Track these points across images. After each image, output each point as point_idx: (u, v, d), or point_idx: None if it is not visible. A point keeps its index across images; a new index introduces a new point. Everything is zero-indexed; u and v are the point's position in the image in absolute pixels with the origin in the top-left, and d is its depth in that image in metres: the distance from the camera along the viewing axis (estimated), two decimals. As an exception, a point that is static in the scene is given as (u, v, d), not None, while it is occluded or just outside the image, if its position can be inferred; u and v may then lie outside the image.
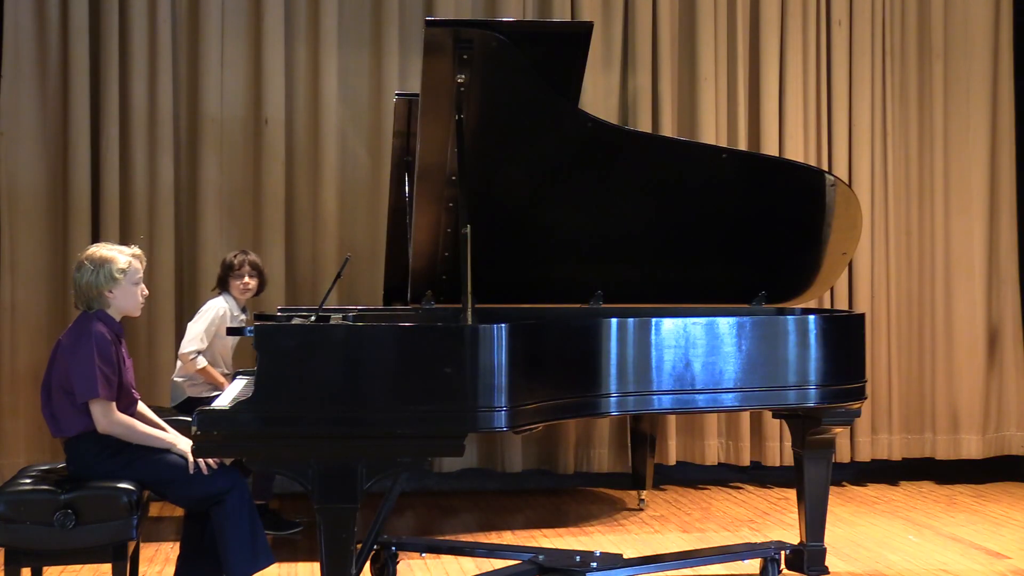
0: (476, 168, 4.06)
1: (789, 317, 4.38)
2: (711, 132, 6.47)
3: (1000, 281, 6.81)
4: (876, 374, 6.54)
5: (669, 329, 4.13)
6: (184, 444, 3.73)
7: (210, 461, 3.67)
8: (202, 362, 5.22)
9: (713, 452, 6.48)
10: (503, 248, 4.41)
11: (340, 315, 4.53)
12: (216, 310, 5.30)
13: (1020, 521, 5.68)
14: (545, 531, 5.36)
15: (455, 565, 4.70)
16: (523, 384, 3.62)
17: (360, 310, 4.80)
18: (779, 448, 6.50)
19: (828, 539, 4.66)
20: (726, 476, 6.58)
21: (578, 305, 4.66)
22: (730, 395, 4.23)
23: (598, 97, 6.39)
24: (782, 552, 4.42)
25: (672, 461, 6.44)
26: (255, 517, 3.68)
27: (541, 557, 4.23)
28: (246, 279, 5.35)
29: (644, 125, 6.39)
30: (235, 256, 5.40)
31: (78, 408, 3.66)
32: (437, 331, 3.60)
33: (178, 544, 5.02)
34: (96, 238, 5.88)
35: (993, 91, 6.78)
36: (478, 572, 4.53)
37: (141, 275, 3.85)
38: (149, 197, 5.97)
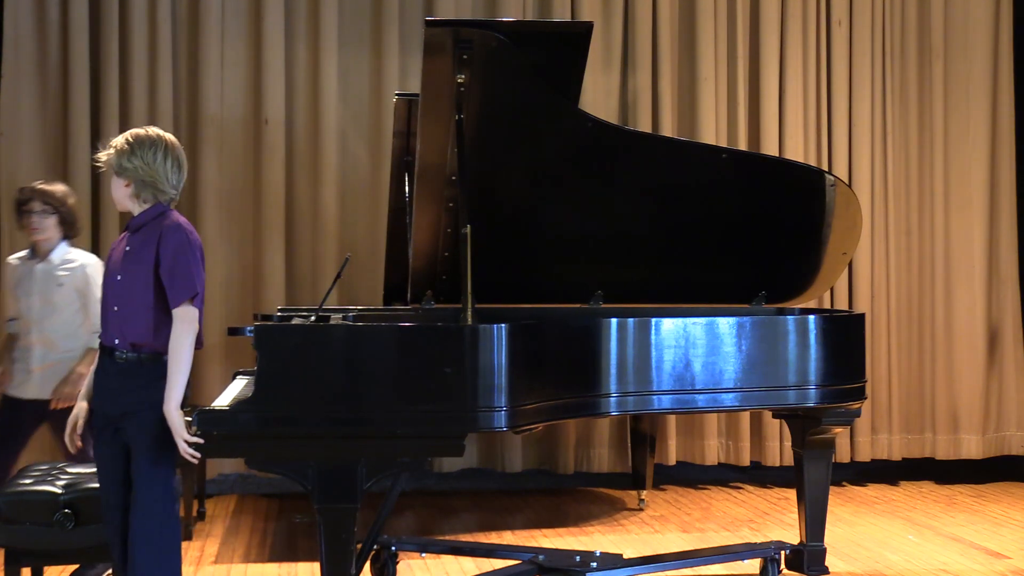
0: (476, 168, 4.06)
1: (789, 317, 4.38)
2: (711, 132, 6.47)
3: (1000, 281, 6.81)
4: (876, 374, 6.54)
5: (669, 329, 4.13)
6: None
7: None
8: None
9: (713, 452, 6.48)
10: (503, 248, 4.40)
11: (340, 315, 4.54)
12: None
13: (1020, 521, 5.68)
14: (545, 531, 5.36)
15: (455, 565, 4.70)
16: (523, 384, 3.62)
17: (360, 310, 4.80)
18: (779, 448, 6.50)
19: (828, 539, 4.67)
20: (726, 476, 6.57)
21: (578, 305, 4.66)
22: (730, 395, 4.23)
23: (598, 97, 6.39)
24: (782, 552, 4.42)
25: (672, 461, 6.44)
26: None
27: (541, 557, 4.23)
28: (34, 218, 4.42)
29: (644, 125, 6.39)
30: (20, 189, 4.57)
31: None
32: (437, 331, 3.59)
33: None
34: (96, 238, 5.89)
35: (993, 91, 6.78)
36: (478, 572, 4.53)
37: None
38: (149, 197, 5.96)
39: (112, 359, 3.33)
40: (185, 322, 3.29)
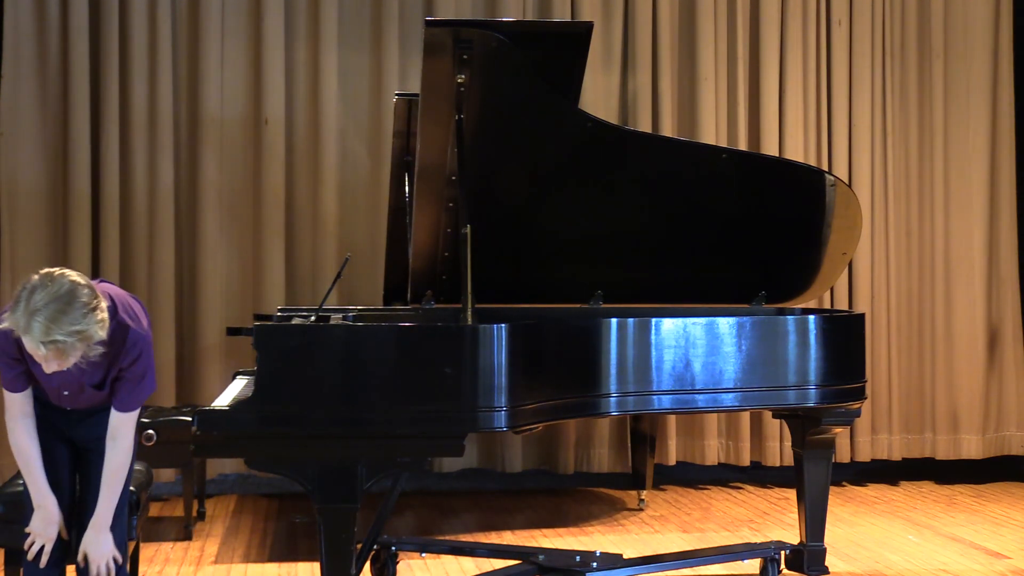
0: (476, 168, 4.06)
1: (789, 317, 4.38)
2: (711, 132, 6.47)
3: (1000, 281, 6.81)
4: (876, 374, 6.54)
5: (669, 329, 4.13)
6: (40, 519, 3.19)
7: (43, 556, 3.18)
8: None
9: (713, 452, 6.48)
10: (503, 248, 4.41)
11: (340, 315, 4.54)
12: None
13: (1020, 521, 5.68)
14: (545, 531, 5.36)
15: (455, 565, 4.70)
16: (523, 384, 3.62)
17: (360, 310, 4.80)
18: (779, 448, 6.50)
19: (828, 539, 4.67)
20: (726, 476, 6.57)
21: (578, 305, 4.66)
22: (730, 395, 4.23)
23: (598, 97, 6.38)
24: (782, 552, 4.43)
25: (672, 461, 6.44)
26: None
27: (541, 557, 4.23)
28: None
29: (644, 125, 6.39)
30: None
31: None
32: (437, 331, 3.59)
33: (178, 544, 5.04)
34: (96, 238, 5.88)
35: (993, 91, 6.78)
36: (478, 572, 4.53)
37: (36, 356, 2.96)
38: (149, 197, 5.97)
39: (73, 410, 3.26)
40: (133, 428, 3.18)
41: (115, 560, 3.19)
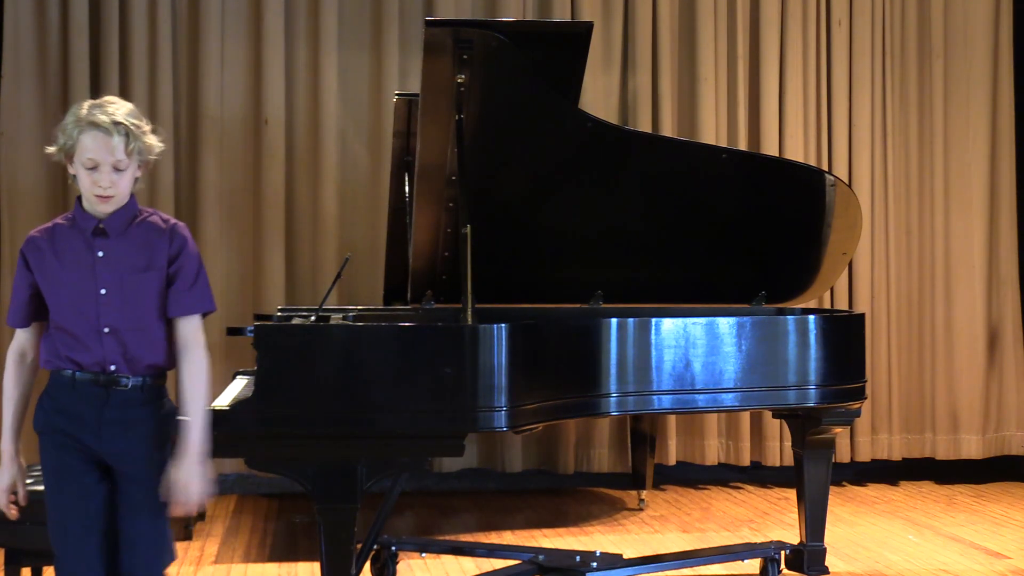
0: (476, 168, 4.06)
1: (789, 317, 4.38)
2: (711, 132, 6.47)
3: (1000, 281, 6.81)
4: (876, 374, 6.54)
5: (669, 329, 4.13)
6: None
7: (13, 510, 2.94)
8: None
9: (713, 452, 6.48)
10: (503, 248, 4.41)
11: (340, 315, 4.54)
12: None
13: (1020, 521, 5.68)
14: (545, 531, 5.36)
15: (455, 565, 4.70)
16: (523, 384, 3.62)
17: (360, 310, 4.80)
18: (779, 448, 6.50)
19: (828, 539, 4.67)
20: (726, 476, 6.57)
21: (578, 305, 4.66)
22: (730, 395, 4.23)
23: (598, 97, 6.38)
24: (782, 552, 4.43)
25: (672, 461, 6.44)
26: None
27: (541, 557, 4.23)
28: None
29: (644, 125, 6.39)
30: None
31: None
32: (437, 331, 3.60)
33: (178, 544, 5.04)
34: (96, 238, 5.88)
35: (993, 91, 6.78)
36: (478, 572, 4.53)
37: (97, 155, 2.71)
38: (149, 197, 5.96)
39: (106, 388, 2.77)
40: (202, 337, 2.81)
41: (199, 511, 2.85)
